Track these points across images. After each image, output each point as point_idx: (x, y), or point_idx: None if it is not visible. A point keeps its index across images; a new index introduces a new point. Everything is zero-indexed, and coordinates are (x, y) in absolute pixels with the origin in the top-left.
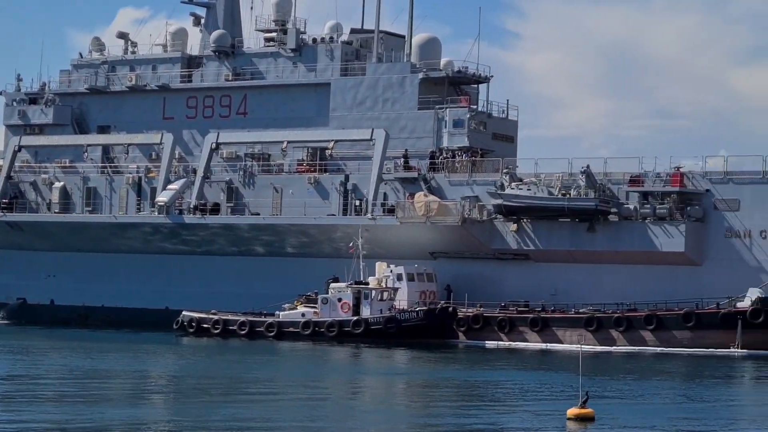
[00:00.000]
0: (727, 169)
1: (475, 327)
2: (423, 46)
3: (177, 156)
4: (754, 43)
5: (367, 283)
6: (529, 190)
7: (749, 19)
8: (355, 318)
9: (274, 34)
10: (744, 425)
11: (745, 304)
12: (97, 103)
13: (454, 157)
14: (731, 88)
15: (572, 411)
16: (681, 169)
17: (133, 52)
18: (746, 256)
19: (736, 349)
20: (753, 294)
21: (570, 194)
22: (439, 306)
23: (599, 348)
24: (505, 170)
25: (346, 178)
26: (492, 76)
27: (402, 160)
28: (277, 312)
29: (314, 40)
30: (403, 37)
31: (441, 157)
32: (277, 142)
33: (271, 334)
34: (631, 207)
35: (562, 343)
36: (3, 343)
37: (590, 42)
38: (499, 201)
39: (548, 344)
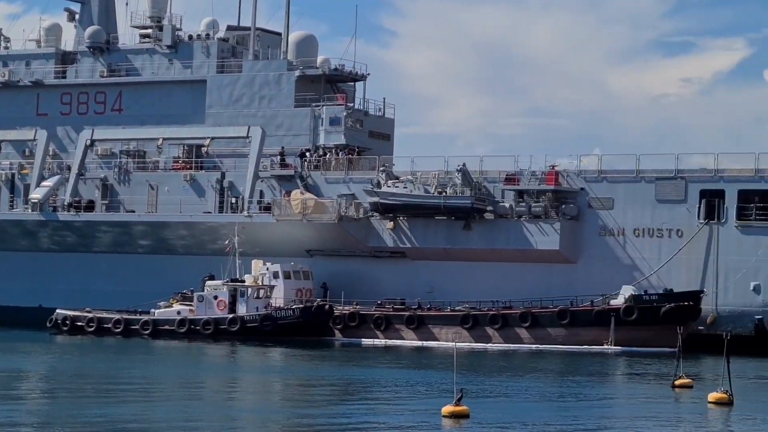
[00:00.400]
0: (601, 167)
1: (351, 325)
2: (300, 44)
3: (51, 153)
4: (629, 43)
5: (243, 281)
6: (406, 188)
7: (625, 19)
8: (231, 316)
9: (149, 31)
10: (616, 422)
11: (618, 301)
12: None
13: (325, 154)
14: (607, 88)
15: (447, 408)
16: (556, 168)
17: (6, 48)
18: (620, 254)
19: (610, 346)
20: (626, 291)
21: (446, 192)
22: (315, 304)
23: (475, 345)
24: (381, 168)
25: (223, 175)
26: (369, 74)
27: (278, 157)
28: (152, 310)
29: (190, 37)
30: (280, 34)
31: (315, 155)
32: (152, 139)
33: (147, 332)
34: (507, 205)
35: (438, 340)
36: None
37: (467, 40)
38: (376, 199)
39: (424, 342)
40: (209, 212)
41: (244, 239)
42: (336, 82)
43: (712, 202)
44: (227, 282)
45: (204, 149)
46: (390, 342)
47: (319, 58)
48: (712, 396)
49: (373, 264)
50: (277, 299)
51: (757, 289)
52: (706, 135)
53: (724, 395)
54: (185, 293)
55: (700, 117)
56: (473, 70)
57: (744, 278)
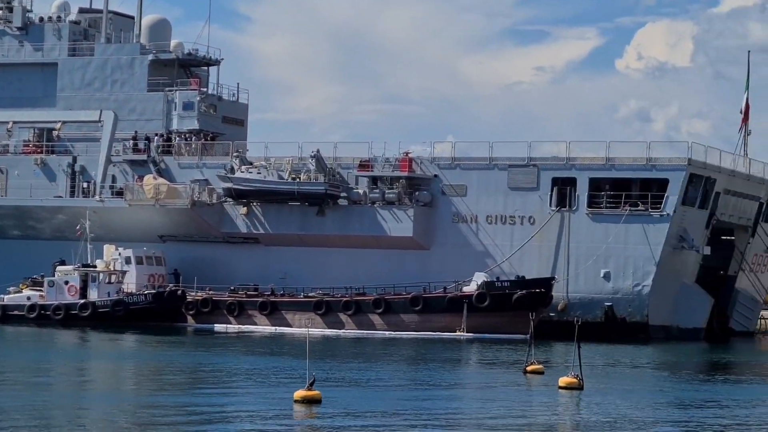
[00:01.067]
0: (454, 155)
1: (204, 311)
2: (153, 28)
3: None
4: (483, 31)
5: (95, 266)
6: (259, 173)
7: (479, 7)
8: (82, 301)
9: None
10: (468, 408)
11: (471, 288)
12: None
13: (168, 140)
14: (460, 75)
15: (299, 393)
16: (410, 155)
17: None
18: (473, 241)
19: (462, 333)
20: (479, 278)
21: (300, 178)
22: (167, 289)
23: (328, 331)
24: (235, 154)
25: (74, 159)
26: (222, 59)
27: (131, 142)
28: (1, 295)
29: (41, 19)
30: (133, 17)
31: (161, 138)
32: (2, 122)
33: None
34: (361, 192)
35: (292, 326)
36: None
37: (322, 26)
38: (229, 184)
39: (278, 328)
40: (60, 196)
41: (96, 224)
42: (189, 67)
43: (563, 189)
44: (78, 267)
45: (55, 133)
46: (243, 328)
47: (173, 42)
48: (563, 381)
49: (227, 250)
50: (129, 285)
51: (607, 276)
52: (558, 123)
53: (575, 380)
54: (36, 278)
55: (552, 105)
56: (328, 56)
57: (594, 265)
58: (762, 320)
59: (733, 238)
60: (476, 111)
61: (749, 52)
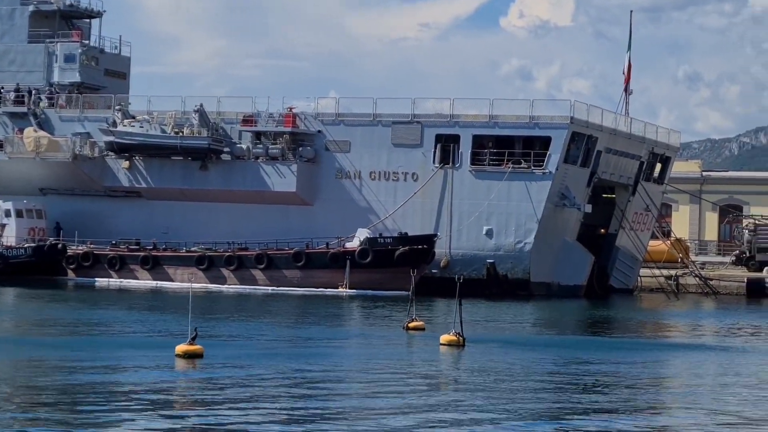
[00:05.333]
0: (338, 110)
1: (85, 265)
2: None
3: None
4: None
5: None
6: (142, 127)
7: None
8: None
9: None
10: (349, 364)
11: (353, 244)
12: None
13: (51, 94)
14: (346, 31)
15: (180, 347)
16: (293, 110)
17: None
18: (356, 197)
19: (345, 289)
20: (362, 234)
21: (183, 133)
22: (48, 243)
23: (211, 286)
24: (117, 107)
25: None
26: (105, 11)
27: (12, 93)
28: None
29: None
30: None
31: (43, 93)
32: None
33: None
34: (244, 147)
35: (174, 281)
36: None
37: None
38: (111, 138)
39: (159, 282)
40: None
41: None
42: (71, 19)
43: (447, 146)
44: None
45: None
46: (125, 282)
47: None
48: (444, 338)
49: (108, 203)
50: (9, 238)
51: (489, 234)
52: (442, 80)
53: (456, 337)
54: None
55: (437, 62)
56: (213, 10)
57: (477, 222)
58: (651, 278)
59: (613, 196)
60: (361, 67)
61: (631, 12)
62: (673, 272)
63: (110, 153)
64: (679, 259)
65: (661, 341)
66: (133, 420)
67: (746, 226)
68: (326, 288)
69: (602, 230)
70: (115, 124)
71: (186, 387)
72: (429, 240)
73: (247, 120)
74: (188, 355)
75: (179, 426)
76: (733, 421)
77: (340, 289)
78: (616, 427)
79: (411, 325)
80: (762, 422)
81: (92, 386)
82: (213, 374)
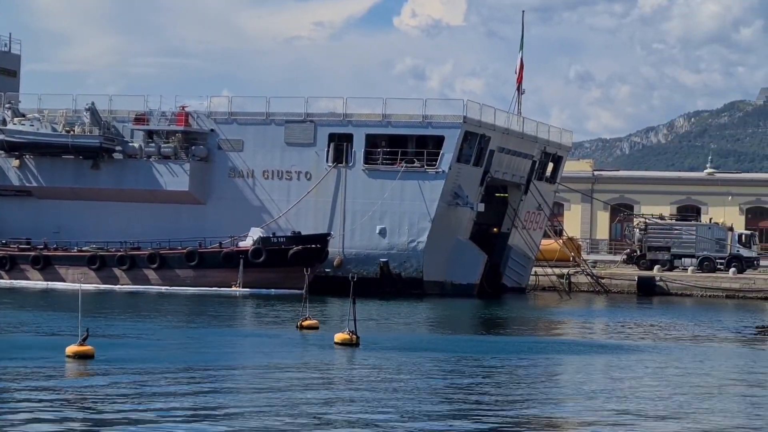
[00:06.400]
0: (231, 109)
1: None
2: None
3: None
4: None
5: None
6: (32, 126)
7: None
8: None
9: None
10: (242, 363)
11: (247, 243)
12: None
13: None
14: (240, 29)
15: (71, 348)
16: (186, 109)
17: None
18: (249, 196)
19: (238, 288)
20: (255, 234)
21: (74, 131)
22: None
23: (103, 286)
24: (7, 105)
25: None
26: None
27: None
28: None
29: None
30: None
31: None
32: None
33: None
34: (136, 145)
35: (65, 281)
36: None
37: None
38: (1, 137)
39: (50, 283)
40: None
41: None
42: None
43: (340, 146)
44: None
45: None
46: (15, 283)
47: None
48: (338, 337)
49: None
50: None
51: (382, 232)
52: (336, 79)
53: (350, 336)
54: None
55: (330, 61)
56: (106, 6)
57: (370, 221)
58: (543, 276)
59: (506, 195)
60: (255, 65)
61: (523, 12)
62: (565, 271)
63: (0, 152)
64: (571, 258)
65: (553, 339)
66: (22, 424)
67: (637, 225)
68: (220, 287)
69: (495, 229)
70: (5, 122)
71: (76, 388)
72: (322, 239)
73: (140, 119)
74: (79, 356)
75: (67, 429)
76: (620, 417)
77: (234, 289)
78: (507, 423)
79: (305, 324)
80: (647, 417)
81: None
82: (104, 377)
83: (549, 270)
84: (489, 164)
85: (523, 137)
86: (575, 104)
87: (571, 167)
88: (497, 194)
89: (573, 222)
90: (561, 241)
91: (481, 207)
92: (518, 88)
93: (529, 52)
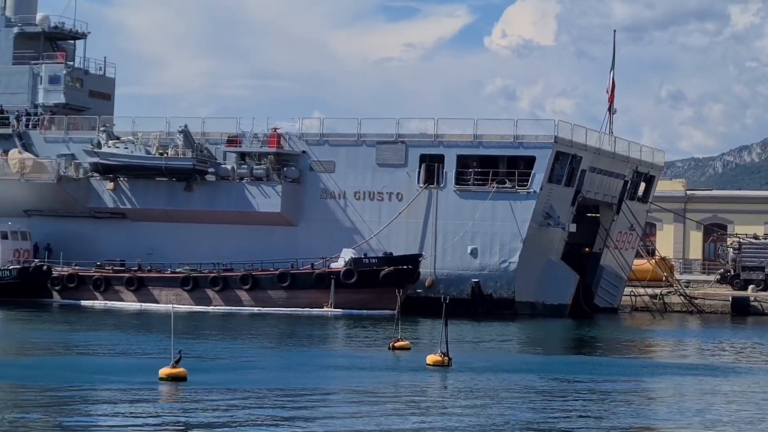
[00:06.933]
0: (323, 131)
1: (70, 286)
2: (18, 0)
3: None
4: (353, 6)
5: None
6: (126, 148)
7: None
8: None
9: None
10: (335, 385)
11: (338, 264)
12: None
13: (39, 114)
14: (330, 51)
15: (164, 371)
16: (278, 130)
17: None
18: (341, 217)
19: (330, 309)
20: (346, 255)
21: (167, 153)
22: (33, 265)
23: (196, 308)
24: (102, 128)
25: None
26: (89, 33)
27: None
28: None
29: None
30: None
31: (33, 114)
32: None
33: None
34: (229, 167)
35: (158, 302)
36: None
37: (191, 0)
38: (96, 159)
39: (144, 304)
40: None
41: None
42: (56, 40)
43: (431, 166)
44: None
45: None
46: (109, 304)
47: (39, 15)
48: (430, 358)
49: (93, 225)
50: None
51: (474, 253)
52: (426, 100)
53: (442, 357)
54: None
55: (421, 82)
56: (198, 30)
57: (461, 242)
58: (636, 297)
59: (598, 215)
60: (345, 87)
61: (615, 31)
62: (658, 291)
63: (95, 174)
64: (664, 278)
65: (647, 360)
66: None
67: (731, 244)
68: (311, 308)
69: (587, 249)
70: (99, 145)
71: (170, 411)
72: (414, 260)
73: (232, 140)
74: (172, 378)
75: None
76: None
77: (326, 309)
78: None
79: (397, 345)
80: None
81: (73, 411)
82: (197, 400)
83: (641, 290)
84: (581, 184)
85: (615, 157)
86: (667, 123)
87: (664, 187)
88: (589, 214)
89: (665, 242)
90: (654, 261)
91: (573, 227)
92: (609, 108)
93: (620, 71)
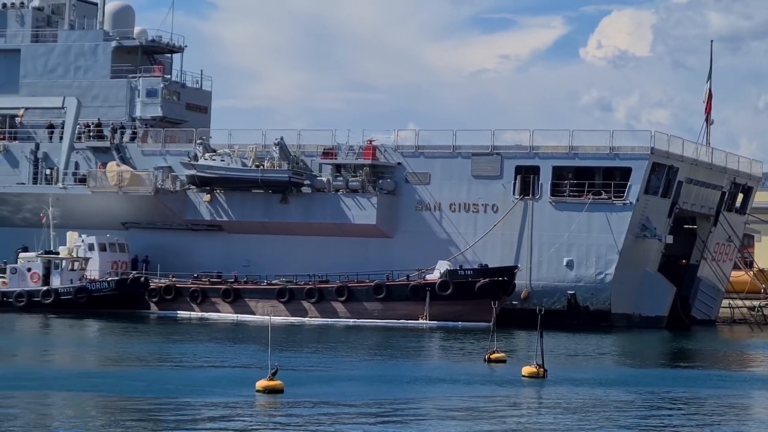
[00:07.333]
0: (418, 143)
1: (167, 298)
2: (116, 14)
3: None
4: (448, 18)
5: (58, 253)
6: (223, 161)
7: None
8: (45, 288)
9: None
10: (430, 396)
11: (434, 276)
12: None
13: (131, 128)
14: (424, 63)
15: (261, 383)
16: (373, 142)
17: None
18: (436, 229)
19: (425, 321)
20: (442, 266)
21: (263, 166)
22: (130, 276)
23: (292, 319)
24: (198, 141)
25: (37, 146)
26: (186, 46)
27: (95, 128)
28: None
29: (4, 5)
30: (96, 4)
31: (131, 127)
32: None
33: None
34: (324, 179)
35: (255, 314)
36: None
37: (286, 13)
38: (193, 172)
39: (240, 315)
40: (23, 183)
41: (59, 211)
42: (153, 54)
43: (527, 178)
44: (41, 254)
45: (18, 119)
46: (206, 315)
47: (136, 29)
48: (526, 370)
49: (190, 237)
50: (92, 271)
51: (569, 265)
52: (521, 111)
53: (537, 369)
54: None
55: (516, 93)
56: (292, 43)
57: (557, 254)
58: (734, 309)
59: (695, 226)
60: (440, 99)
61: (712, 41)
62: (756, 303)
63: (192, 186)
64: (762, 290)
65: (746, 374)
66: None
67: None
68: (407, 320)
69: (684, 261)
70: (196, 157)
71: (267, 423)
72: (509, 272)
73: (328, 153)
74: (269, 391)
75: None
76: None
77: (421, 321)
78: None
79: (492, 356)
80: None
81: (172, 423)
82: (294, 412)
83: (739, 302)
84: (677, 195)
85: (712, 168)
86: (765, 134)
87: (762, 198)
88: (686, 226)
89: (764, 253)
90: (752, 272)
91: (670, 239)
92: (706, 119)
93: (717, 82)
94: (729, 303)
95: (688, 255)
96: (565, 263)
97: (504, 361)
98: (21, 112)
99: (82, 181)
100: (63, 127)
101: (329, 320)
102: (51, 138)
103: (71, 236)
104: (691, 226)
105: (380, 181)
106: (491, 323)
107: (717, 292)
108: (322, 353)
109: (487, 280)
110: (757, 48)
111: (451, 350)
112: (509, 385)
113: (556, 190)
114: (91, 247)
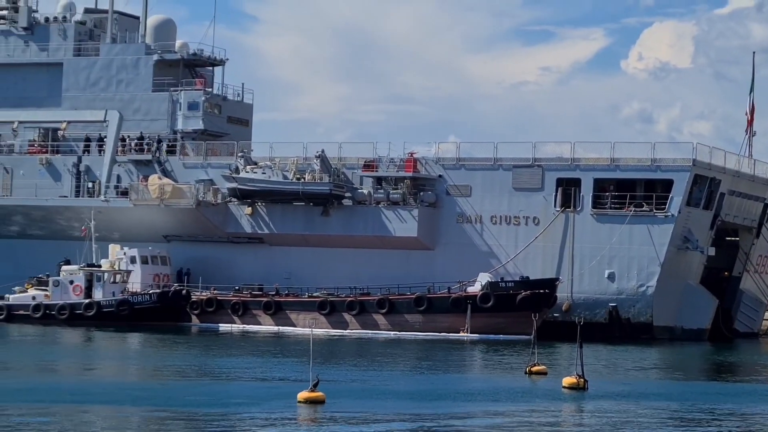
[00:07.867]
0: (459, 155)
1: (208, 310)
2: (158, 28)
3: None
4: (489, 31)
5: (100, 266)
6: (264, 173)
7: (485, 6)
8: (87, 301)
9: (5, 12)
10: (472, 409)
11: (475, 288)
12: None
13: (175, 140)
14: (465, 75)
15: (303, 394)
16: (414, 155)
17: None
18: (477, 241)
19: (466, 333)
20: (483, 279)
21: (304, 178)
22: (172, 289)
23: (333, 331)
24: (239, 154)
25: (79, 159)
26: (227, 59)
27: (137, 141)
28: (6, 295)
29: (47, 19)
30: (138, 18)
31: (170, 140)
32: (7, 122)
33: (1, 317)
34: (365, 192)
35: (296, 326)
36: None
37: (327, 26)
38: (234, 184)
39: (281, 328)
40: (65, 196)
41: (101, 224)
42: (194, 67)
43: (568, 190)
44: (83, 267)
45: (60, 133)
46: (247, 328)
47: (178, 43)
48: (566, 380)
49: (231, 249)
50: (134, 284)
51: (611, 277)
52: (563, 123)
53: (578, 379)
54: (41, 278)
55: (557, 105)
56: (333, 56)
57: (598, 266)
58: None
59: (737, 238)
60: (481, 111)
61: (754, 53)
62: None
63: (233, 199)
64: None
65: None
66: None
67: None
68: (448, 332)
69: (726, 273)
70: (237, 170)
71: None
72: (551, 284)
73: (368, 165)
74: (310, 402)
75: None
76: None
77: (462, 334)
78: None
79: (533, 369)
80: None
81: None
82: (335, 424)
83: None
84: (719, 207)
85: (755, 180)
86: None
87: None
88: (728, 238)
89: None
90: None
91: (712, 251)
92: (749, 130)
93: (759, 93)
94: None
95: (731, 267)
96: (606, 275)
97: (545, 374)
98: (63, 125)
99: (124, 194)
100: (99, 141)
101: (370, 332)
102: (88, 151)
103: (113, 249)
104: (733, 238)
105: (421, 193)
106: (532, 336)
107: (760, 305)
108: (363, 366)
109: (528, 292)
110: None
111: (492, 363)
112: (550, 398)
113: (597, 203)
114: (132, 260)
